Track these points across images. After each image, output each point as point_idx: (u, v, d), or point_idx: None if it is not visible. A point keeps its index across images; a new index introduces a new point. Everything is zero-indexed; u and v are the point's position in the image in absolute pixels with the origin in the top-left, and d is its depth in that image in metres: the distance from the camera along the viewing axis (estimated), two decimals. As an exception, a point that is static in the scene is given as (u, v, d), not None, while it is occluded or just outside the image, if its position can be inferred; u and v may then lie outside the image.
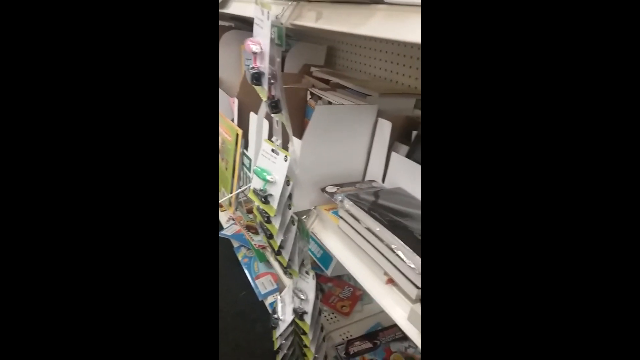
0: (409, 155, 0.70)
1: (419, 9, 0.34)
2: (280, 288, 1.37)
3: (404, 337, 1.00)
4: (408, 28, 0.35)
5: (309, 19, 0.49)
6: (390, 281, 0.57)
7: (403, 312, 0.53)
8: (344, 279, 1.23)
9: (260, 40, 0.50)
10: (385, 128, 0.70)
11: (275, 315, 0.92)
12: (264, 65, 0.52)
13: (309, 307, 0.81)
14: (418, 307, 0.50)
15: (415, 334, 0.51)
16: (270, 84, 0.53)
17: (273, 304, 1.30)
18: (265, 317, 1.33)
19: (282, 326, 0.90)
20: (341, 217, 0.65)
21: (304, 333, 0.84)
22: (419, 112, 0.82)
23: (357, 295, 1.16)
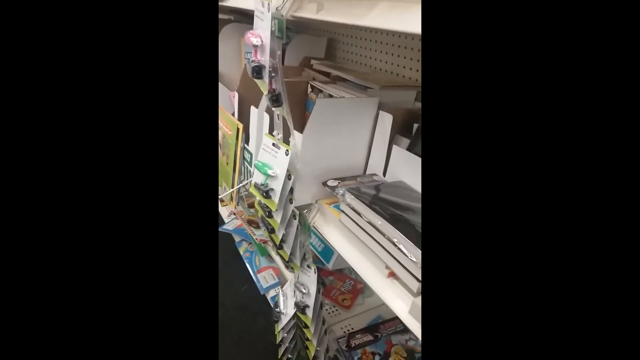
0: (410, 148, 0.70)
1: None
2: (281, 282, 1.38)
3: (405, 330, 1.01)
4: (411, 19, 0.34)
5: (310, 11, 0.49)
6: (392, 274, 0.57)
7: (404, 305, 0.53)
8: (345, 273, 1.23)
9: (261, 32, 0.50)
10: (386, 121, 0.70)
11: (277, 309, 0.92)
12: (264, 59, 0.51)
13: (310, 301, 0.82)
14: (419, 300, 0.50)
15: (416, 327, 0.51)
16: (271, 77, 0.53)
17: (275, 298, 1.31)
18: (267, 311, 1.33)
19: (284, 320, 0.91)
20: (343, 211, 0.65)
21: (306, 326, 0.85)
22: (420, 105, 0.82)
23: (358, 288, 1.16)
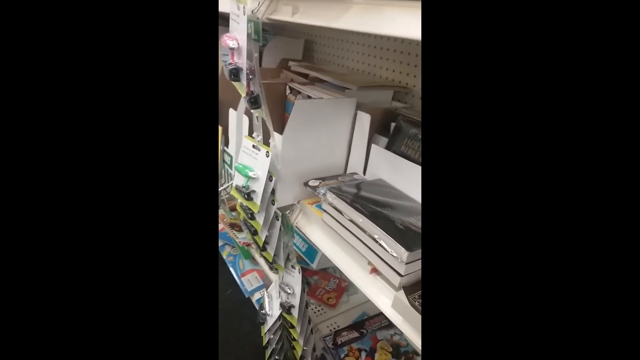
0: (388, 147, 0.71)
1: (395, 3, 0.35)
2: (266, 284, 1.37)
3: (390, 325, 1.03)
4: (384, 21, 0.36)
5: (285, 14, 0.49)
6: (374, 270, 0.58)
7: (387, 299, 0.55)
8: (329, 272, 1.24)
9: (237, 35, 0.50)
10: (364, 121, 0.71)
11: (263, 311, 0.92)
12: (241, 61, 0.52)
13: (295, 301, 0.82)
14: (402, 295, 0.51)
15: (399, 321, 0.53)
16: (248, 80, 0.53)
17: (260, 300, 1.30)
18: (252, 314, 1.33)
19: (270, 321, 0.91)
20: (325, 211, 0.65)
21: (292, 326, 0.85)
22: (396, 104, 0.84)
23: (342, 286, 1.17)
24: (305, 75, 0.90)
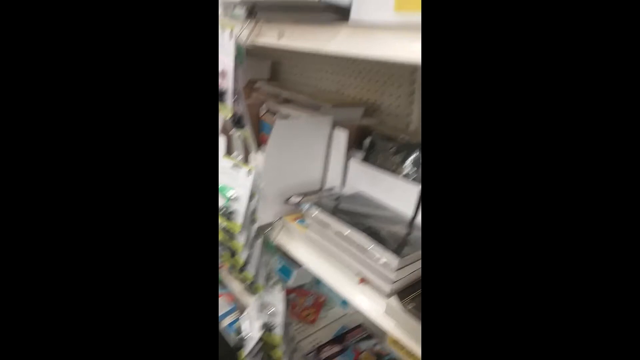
0: (364, 161, 0.75)
1: (381, 28, 0.38)
2: (238, 307, 1.33)
3: (369, 336, 1.04)
4: (374, 45, 0.39)
5: (270, 37, 0.51)
6: (363, 280, 0.60)
7: (379, 307, 0.56)
8: (304, 288, 1.23)
9: (223, 58, 0.51)
10: (341, 137, 0.74)
11: (241, 335, 0.89)
12: (227, 83, 0.52)
13: (278, 320, 0.81)
14: (393, 301, 0.54)
15: (392, 327, 0.55)
16: (233, 101, 0.54)
17: (232, 325, 1.25)
18: (224, 340, 1.27)
19: (250, 344, 0.88)
20: (309, 225, 0.67)
21: (274, 347, 0.84)
22: (368, 121, 0.88)
23: (320, 302, 1.17)
24: (276, 96, 0.91)
